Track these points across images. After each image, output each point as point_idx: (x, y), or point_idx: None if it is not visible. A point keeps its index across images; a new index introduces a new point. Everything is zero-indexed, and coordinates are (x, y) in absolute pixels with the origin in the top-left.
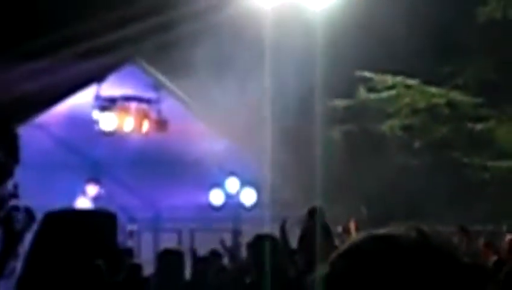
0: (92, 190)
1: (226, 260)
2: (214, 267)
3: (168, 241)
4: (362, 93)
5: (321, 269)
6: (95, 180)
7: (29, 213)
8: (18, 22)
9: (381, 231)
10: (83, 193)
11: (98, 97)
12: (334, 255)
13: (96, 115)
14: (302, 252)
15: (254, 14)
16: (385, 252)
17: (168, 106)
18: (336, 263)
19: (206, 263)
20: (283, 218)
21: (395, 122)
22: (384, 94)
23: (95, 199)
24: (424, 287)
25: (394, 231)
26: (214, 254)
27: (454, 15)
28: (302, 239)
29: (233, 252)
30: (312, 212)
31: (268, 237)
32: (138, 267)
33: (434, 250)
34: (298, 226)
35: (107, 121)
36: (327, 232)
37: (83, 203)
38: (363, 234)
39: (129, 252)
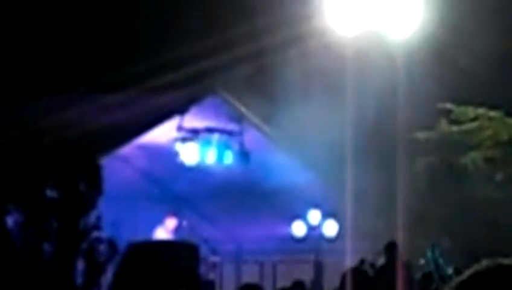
0: (171, 223)
1: None
2: None
3: (250, 274)
4: (444, 125)
5: None
6: (175, 213)
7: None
8: (102, 54)
9: (505, 260)
10: (162, 225)
11: (180, 128)
12: (456, 281)
13: (178, 146)
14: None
15: (336, 44)
16: (509, 279)
17: (251, 138)
18: (458, 287)
19: None
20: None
21: (477, 154)
22: (466, 126)
23: (176, 231)
24: None
25: None
26: (296, 285)
27: None
28: (379, 274)
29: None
30: (389, 247)
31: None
32: None
33: None
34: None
35: (189, 153)
36: (407, 267)
37: (162, 235)
38: (485, 263)
39: (211, 284)
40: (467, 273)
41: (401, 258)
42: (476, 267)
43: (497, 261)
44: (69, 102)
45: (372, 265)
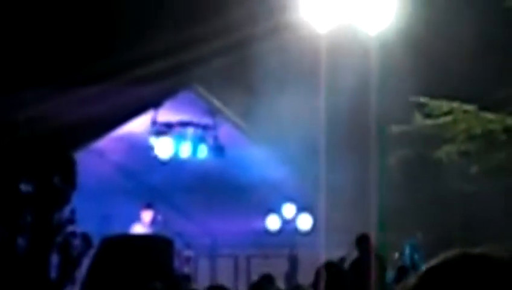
0: (148, 216)
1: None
2: None
3: (225, 267)
4: (418, 118)
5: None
6: (151, 206)
7: (86, 239)
8: (77, 47)
9: (472, 250)
10: (139, 219)
11: (154, 123)
12: (423, 269)
13: (153, 140)
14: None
15: (309, 39)
16: (478, 269)
17: (225, 132)
18: (425, 276)
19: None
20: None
21: (451, 148)
22: (441, 120)
23: (151, 225)
24: None
25: (485, 250)
26: (265, 278)
27: (511, 39)
28: (352, 267)
29: (290, 278)
30: (361, 240)
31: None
32: None
33: None
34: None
35: (164, 147)
36: (379, 260)
37: (139, 229)
38: (453, 251)
39: (186, 278)
40: (433, 261)
41: (373, 251)
42: (442, 256)
43: (464, 250)
44: (43, 95)
45: (342, 259)
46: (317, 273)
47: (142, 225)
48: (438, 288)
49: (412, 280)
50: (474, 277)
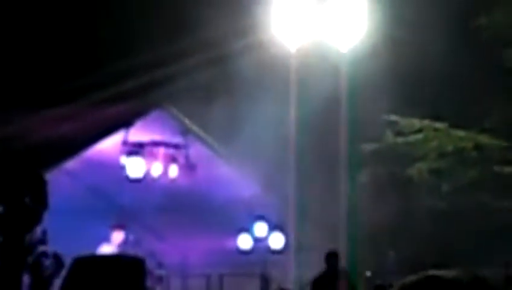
0: (118, 236)
1: None
2: None
3: (197, 287)
4: (389, 136)
5: None
6: (120, 226)
7: (57, 259)
8: (47, 67)
9: (436, 272)
10: (107, 239)
11: (125, 142)
12: None
13: (123, 160)
14: None
15: (281, 57)
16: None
17: (196, 151)
18: None
19: None
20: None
21: (422, 165)
22: (412, 138)
23: (121, 245)
24: None
25: (448, 273)
26: None
27: (481, 58)
28: (314, 283)
29: None
30: (329, 257)
31: None
32: None
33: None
34: None
35: (135, 167)
36: (344, 276)
37: (107, 249)
38: (420, 274)
39: None
40: (403, 282)
41: (341, 268)
42: (413, 278)
43: (434, 273)
44: (13, 115)
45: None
46: None
47: (110, 245)
48: None
49: None
50: None
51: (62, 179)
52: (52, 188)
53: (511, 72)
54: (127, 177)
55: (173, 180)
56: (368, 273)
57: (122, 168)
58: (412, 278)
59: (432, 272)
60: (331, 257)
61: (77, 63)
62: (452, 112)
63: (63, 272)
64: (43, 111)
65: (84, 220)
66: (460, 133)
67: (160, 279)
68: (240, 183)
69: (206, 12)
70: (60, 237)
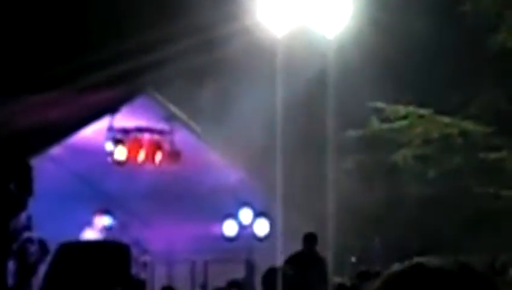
0: (101, 221)
1: None
2: None
3: (182, 273)
4: (375, 123)
5: None
6: (104, 211)
7: (42, 245)
8: (32, 52)
9: (422, 260)
10: (90, 224)
11: (111, 129)
12: (379, 281)
13: (109, 146)
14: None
15: (265, 43)
16: (432, 283)
17: (181, 137)
18: (381, 288)
19: None
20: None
21: (407, 152)
22: (397, 124)
23: (104, 230)
24: None
25: (441, 263)
26: (232, 285)
27: (466, 44)
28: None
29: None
30: (306, 238)
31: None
32: None
33: (478, 278)
34: None
35: (120, 152)
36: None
37: (90, 235)
38: (407, 263)
39: (142, 284)
40: (390, 271)
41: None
42: (398, 267)
43: (420, 261)
44: None
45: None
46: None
47: (93, 231)
48: None
49: None
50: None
51: (47, 165)
52: (37, 175)
53: (495, 58)
54: (112, 163)
55: (158, 167)
56: (353, 259)
57: (108, 154)
58: (397, 268)
59: (417, 260)
60: (308, 238)
61: (63, 48)
62: (437, 98)
63: (48, 258)
64: (28, 97)
65: (70, 206)
66: (446, 119)
67: (144, 265)
68: (225, 170)
69: None
70: (45, 223)
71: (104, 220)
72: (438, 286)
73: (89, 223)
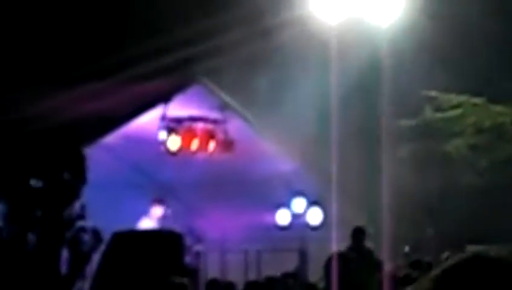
0: (158, 211)
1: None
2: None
3: (235, 262)
4: (428, 112)
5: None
6: (160, 201)
7: (96, 234)
8: (85, 42)
9: (479, 250)
10: (147, 214)
11: (164, 118)
12: (438, 270)
13: (162, 135)
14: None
15: (317, 32)
16: (491, 273)
17: (234, 126)
18: (440, 278)
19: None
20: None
21: (460, 141)
22: (450, 113)
23: (160, 219)
24: None
25: (499, 253)
26: (286, 276)
27: None
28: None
29: (300, 272)
30: (354, 233)
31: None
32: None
33: None
34: None
35: (173, 142)
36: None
37: (147, 224)
38: (466, 254)
39: (196, 272)
40: (447, 263)
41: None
42: (457, 258)
43: (478, 251)
44: (52, 91)
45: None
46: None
47: (150, 220)
48: None
49: (426, 281)
50: (488, 281)
51: (101, 155)
52: (91, 164)
53: None
54: (165, 153)
55: (211, 156)
56: (407, 249)
57: (161, 143)
58: (453, 260)
59: (473, 249)
60: (356, 233)
61: (115, 37)
62: (490, 87)
63: (102, 247)
64: (82, 86)
65: (123, 195)
66: (499, 108)
67: (198, 254)
68: (278, 159)
69: None
70: (99, 212)
71: (159, 210)
72: (497, 277)
73: (145, 213)
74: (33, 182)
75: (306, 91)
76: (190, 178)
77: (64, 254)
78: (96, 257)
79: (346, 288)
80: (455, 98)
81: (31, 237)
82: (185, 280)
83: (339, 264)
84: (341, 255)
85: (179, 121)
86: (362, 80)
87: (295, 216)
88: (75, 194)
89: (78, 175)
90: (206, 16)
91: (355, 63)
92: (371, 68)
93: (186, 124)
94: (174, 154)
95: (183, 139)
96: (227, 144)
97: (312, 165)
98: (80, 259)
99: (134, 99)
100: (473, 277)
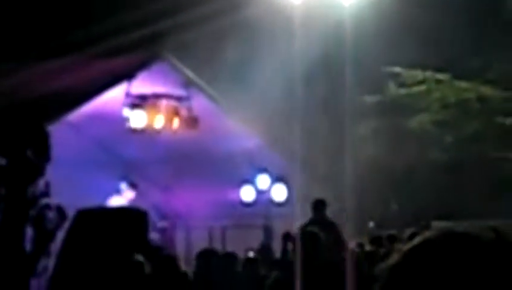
0: (129, 194)
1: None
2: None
3: (200, 239)
4: (392, 88)
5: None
6: (133, 185)
7: (60, 211)
8: (47, 20)
9: (456, 227)
10: (119, 192)
11: (128, 95)
12: (406, 247)
13: (126, 112)
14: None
15: (282, 9)
16: (461, 249)
17: (199, 103)
18: (407, 255)
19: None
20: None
21: (425, 117)
22: (414, 89)
23: (131, 201)
24: (502, 287)
25: (468, 229)
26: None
27: (484, 9)
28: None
29: (265, 249)
30: (315, 205)
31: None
32: (173, 260)
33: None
34: None
35: (138, 119)
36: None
37: (118, 201)
38: (437, 229)
39: (159, 249)
40: (416, 240)
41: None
42: (426, 235)
43: (448, 228)
44: (16, 67)
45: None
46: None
47: (121, 198)
48: (420, 268)
49: (393, 258)
50: (458, 257)
51: (65, 131)
52: (55, 141)
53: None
54: (129, 130)
55: (176, 133)
56: (371, 224)
57: (125, 120)
58: (422, 236)
59: (438, 225)
60: (317, 204)
61: (79, 13)
62: (455, 64)
63: (66, 225)
64: (44, 63)
65: (87, 172)
66: (463, 84)
67: (163, 231)
68: (242, 136)
69: None
70: (64, 189)
71: (131, 194)
72: (468, 254)
73: (112, 190)
74: None
75: (271, 67)
76: (154, 155)
77: (29, 231)
78: (60, 235)
79: (310, 264)
80: (420, 74)
81: None
82: (141, 257)
83: (302, 240)
84: (307, 233)
85: (143, 97)
86: (327, 56)
87: (260, 193)
88: (39, 172)
89: (42, 152)
90: None
91: (320, 39)
92: (335, 44)
93: (151, 100)
94: (138, 131)
95: (147, 116)
96: (191, 121)
97: (277, 142)
98: (44, 237)
99: (98, 76)
100: (444, 253)
